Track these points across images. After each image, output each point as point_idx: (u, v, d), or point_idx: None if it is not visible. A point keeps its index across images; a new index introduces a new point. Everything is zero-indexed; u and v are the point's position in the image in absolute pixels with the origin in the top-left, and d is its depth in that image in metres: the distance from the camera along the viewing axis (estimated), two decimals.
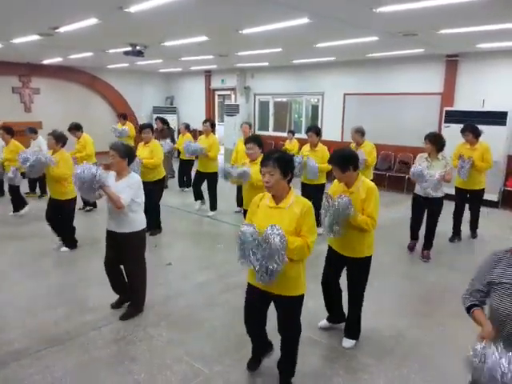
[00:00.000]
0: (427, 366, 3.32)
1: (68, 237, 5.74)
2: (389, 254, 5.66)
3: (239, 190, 6.99)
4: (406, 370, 3.27)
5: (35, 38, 7.39)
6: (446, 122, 8.74)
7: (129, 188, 3.68)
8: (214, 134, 7.70)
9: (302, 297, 2.81)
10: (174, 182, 10.32)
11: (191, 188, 9.67)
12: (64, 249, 5.69)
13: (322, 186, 6.07)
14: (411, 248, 5.79)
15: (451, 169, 5.14)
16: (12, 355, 3.38)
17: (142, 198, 3.85)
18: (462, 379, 3.16)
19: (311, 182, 6.06)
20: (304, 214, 2.61)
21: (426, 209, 5.45)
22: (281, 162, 2.61)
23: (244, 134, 7.64)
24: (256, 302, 2.88)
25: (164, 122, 11.34)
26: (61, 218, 5.57)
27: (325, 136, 9.95)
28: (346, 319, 3.68)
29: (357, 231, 3.29)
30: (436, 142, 5.13)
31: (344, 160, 3.30)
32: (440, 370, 3.28)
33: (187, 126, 9.61)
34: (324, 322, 3.89)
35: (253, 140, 4.73)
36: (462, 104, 8.97)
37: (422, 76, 9.57)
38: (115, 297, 4.15)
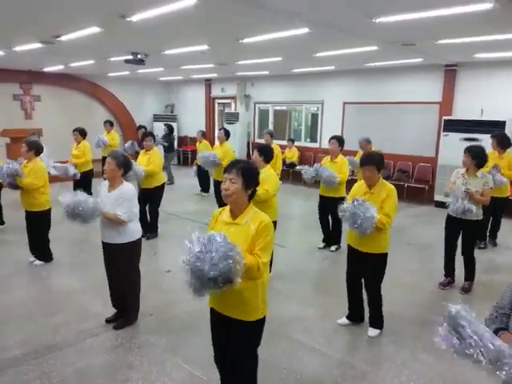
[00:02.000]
0: (426, 373, 3.32)
1: (41, 250, 5.45)
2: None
3: None
4: (404, 377, 3.27)
5: (37, 45, 7.44)
6: (444, 130, 8.80)
7: (124, 201, 3.60)
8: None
9: (258, 323, 2.51)
10: (171, 189, 10.35)
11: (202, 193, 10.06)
12: (38, 262, 5.42)
13: (341, 200, 5.92)
14: (444, 285, 4.97)
15: (490, 190, 4.59)
16: (10, 362, 3.37)
17: (136, 207, 3.79)
18: None
19: (329, 194, 5.90)
20: (259, 232, 2.32)
21: (460, 232, 4.87)
22: (245, 172, 2.39)
23: (266, 142, 7.88)
24: (215, 326, 2.63)
25: (169, 127, 11.48)
26: (33, 230, 5.34)
27: (324, 144, 10.02)
28: (369, 312, 3.92)
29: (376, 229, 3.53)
30: (477, 156, 4.58)
31: (381, 160, 3.67)
32: (439, 377, 3.28)
33: (204, 134, 9.87)
34: (344, 320, 4.04)
35: (258, 149, 4.72)
36: (460, 113, 9.01)
37: (421, 85, 9.63)
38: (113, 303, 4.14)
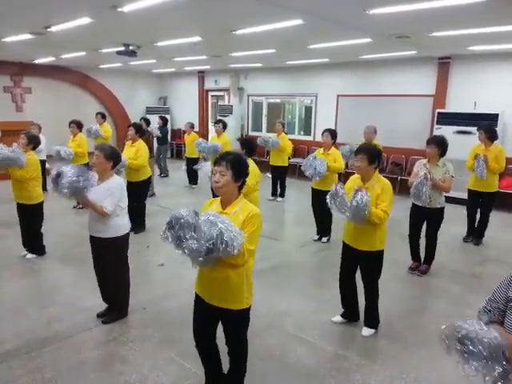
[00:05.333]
0: (419, 366, 3.34)
1: (34, 243, 5.42)
2: None
3: None
4: (397, 370, 3.28)
5: (27, 36, 7.34)
6: (437, 123, 8.81)
7: (110, 194, 3.54)
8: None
9: (245, 311, 2.62)
10: (165, 182, 10.30)
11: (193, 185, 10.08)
12: (30, 255, 5.39)
13: None
14: (413, 269, 5.21)
15: (451, 177, 4.78)
16: (2, 356, 3.34)
17: (125, 202, 3.73)
18: (454, 379, 3.19)
19: (321, 187, 5.87)
20: (247, 221, 2.42)
21: (424, 220, 5.11)
22: (234, 164, 2.48)
23: (277, 132, 8.62)
24: (201, 314, 2.72)
25: (163, 119, 11.42)
26: (27, 223, 5.31)
27: (318, 137, 9.99)
28: (364, 310, 3.86)
29: (369, 225, 3.47)
30: (441, 145, 4.79)
31: (375, 152, 3.57)
32: (432, 370, 3.30)
33: (192, 126, 9.96)
34: (338, 318, 4.00)
35: (239, 140, 4.82)
36: (453, 106, 9.04)
37: (415, 78, 9.63)
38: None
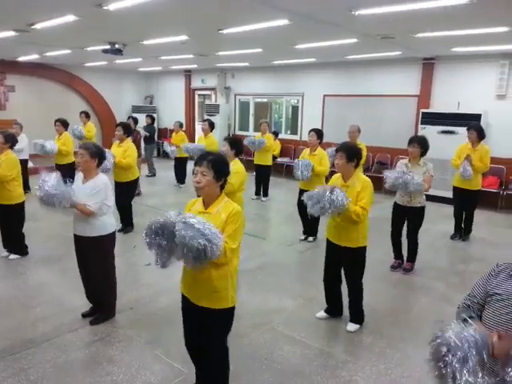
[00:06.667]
0: (404, 362, 3.39)
1: (16, 244, 5.36)
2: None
3: None
4: (383, 366, 3.33)
5: (11, 34, 7.22)
6: (422, 123, 8.93)
7: (96, 192, 3.53)
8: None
9: (228, 311, 2.58)
10: (152, 182, 10.25)
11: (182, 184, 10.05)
12: (13, 256, 5.32)
13: None
14: (395, 267, 5.29)
15: (430, 177, 4.85)
16: None
17: (111, 200, 3.72)
18: None
19: (309, 187, 5.91)
20: (229, 219, 2.43)
21: (405, 219, 5.16)
22: (216, 164, 2.47)
23: (263, 131, 8.64)
24: (186, 313, 2.72)
25: (151, 118, 11.34)
26: (8, 224, 5.24)
27: (305, 137, 10.05)
28: (349, 306, 3.92)
29: (351, 222, 3.52)
30: (424, 145, 4.89)
31: (353, 150, 3.65)
32: (417, 365, 3.34)
33: (181, 125, 9.94)
34: (322, 314, 4.05)
35: (227, 139, 4.73)
36: (437, 106, 9.17)
37: (400, 78, 9.74)
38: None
